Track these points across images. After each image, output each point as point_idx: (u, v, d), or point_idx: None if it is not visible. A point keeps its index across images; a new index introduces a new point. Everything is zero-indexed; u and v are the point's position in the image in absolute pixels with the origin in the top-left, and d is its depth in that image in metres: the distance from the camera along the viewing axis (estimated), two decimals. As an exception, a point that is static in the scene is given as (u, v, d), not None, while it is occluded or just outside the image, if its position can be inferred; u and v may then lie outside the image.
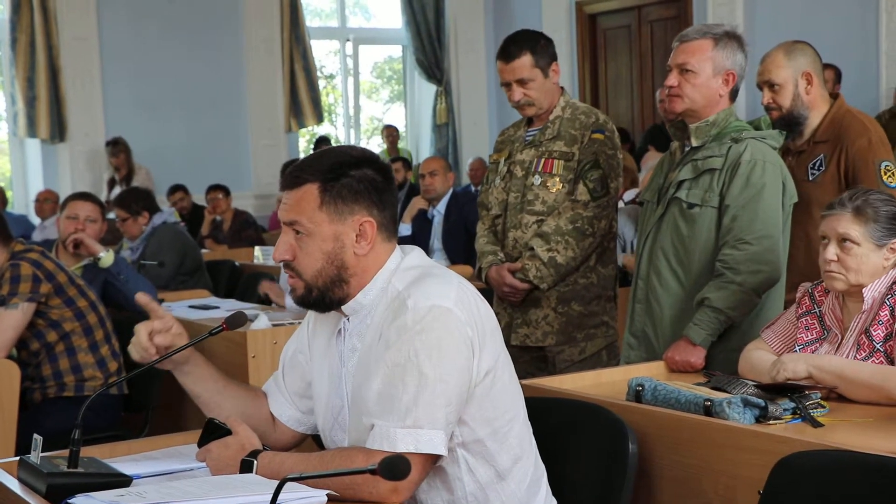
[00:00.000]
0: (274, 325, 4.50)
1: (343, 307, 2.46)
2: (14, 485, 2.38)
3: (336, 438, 2.51)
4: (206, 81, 11.62)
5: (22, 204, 11.32)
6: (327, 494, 2.16)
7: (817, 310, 3.11)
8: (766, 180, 3.50)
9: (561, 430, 2.77)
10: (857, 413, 2.74)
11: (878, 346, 2.91)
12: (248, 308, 5.21)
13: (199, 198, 10.48)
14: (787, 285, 3.62)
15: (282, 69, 12.06)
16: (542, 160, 4.29)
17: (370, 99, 14.27)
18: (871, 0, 9.04)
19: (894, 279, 2.97)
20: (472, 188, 11.22)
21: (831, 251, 3.00)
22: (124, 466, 2.48)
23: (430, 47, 12.97)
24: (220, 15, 11.71)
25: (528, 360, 4.36)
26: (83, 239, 5.23)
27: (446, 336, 2.30)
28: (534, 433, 2.58)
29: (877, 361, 2.91)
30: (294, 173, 2.43)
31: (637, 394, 2.90)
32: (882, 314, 2.94)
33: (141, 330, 2.54)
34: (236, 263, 7.64)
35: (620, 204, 6.97)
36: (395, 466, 1.89)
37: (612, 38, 11.69)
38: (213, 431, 2.46)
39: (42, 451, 2.42)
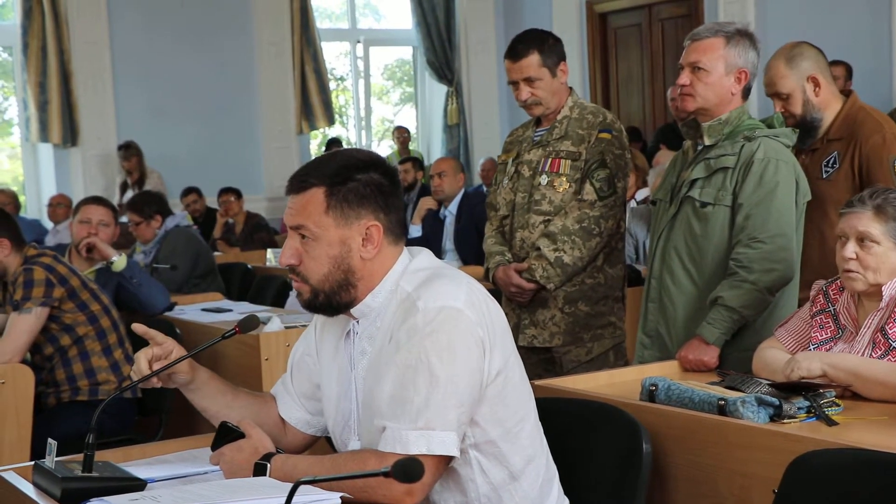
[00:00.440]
0: (286, 328, 4.50)
1: (352, 310, 2.46)
2: (29, 489, 2.38)
3: (346, 441, 2.51)
4: (217, 84, 11.64)
5: (35, 208, 11.35)
6: (341, 497, 2.16)
7: (832, 308, 3.10)
8: (780, 178, 3.49)
9: (574, 430, 2.76)
10: (872, 411, 2.73)
11: (893, 344, 2.90)
12: (261, 310, 5.21)
13: (211, 201, 10.50)
14: (802, 284, 3.61)
15: (292, 71, 12.07)
16: (549, 160, 4.29)
17: (381, 101, 14.27)
18: (884, -5, 9.02)
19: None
20: (484, 189, 11.22)
21: (850, 249, 2.97)
22: (138, 470, 2.48)
23: (440, 48, 12.97)
24: (231, 18, 11.72)
25: (536, 361, 4.35)
26: (96, 243, 5.24)
27: (457, 337, 2.29)
28: (547, 434, 2.57)
29: (892, 359, 2.89)
30: (299, 177, 2.43)
31: (651, 393, 2.89)
32: (897, 312, 2.93)
33: (141, 358, 2.55)
34: (249, 266, 7.65)
35: (633, 204, 6.96)
36: (408, 468, 1.89)
37: (622, 36, 11.67)
38: (227, 435, 2.46)
39: (57, 456, 2.43)
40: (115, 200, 10.39)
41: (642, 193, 7.11)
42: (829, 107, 3.99)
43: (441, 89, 13.21)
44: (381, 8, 13.91)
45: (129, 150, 10.81)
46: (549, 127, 4.34)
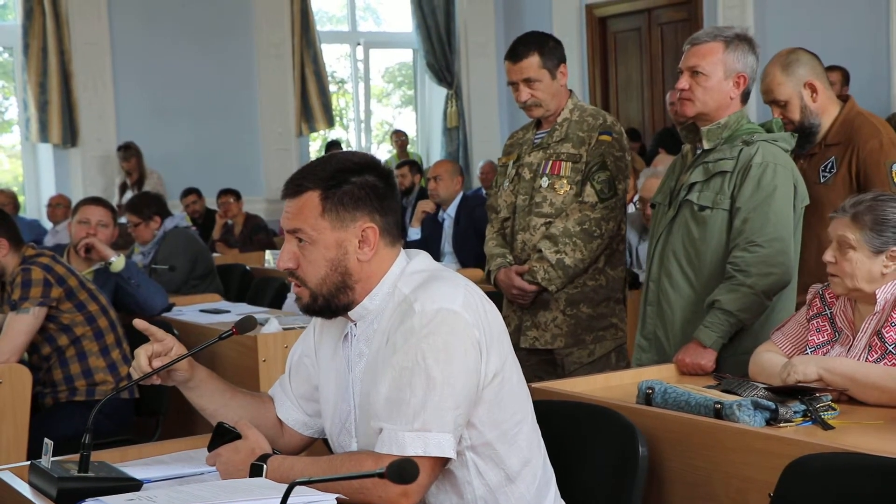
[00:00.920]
0: (284, 329, 4.50)
1: (349, 313, 2.46)
2: (25, 489, 2.38)
3: (343, 443, 2.51)
4: (218, 86, 11.65)
5: (34, 209, 11.36)
6: (336, 498, 2.16)
7: (828, 311, 3.11)
8: (778, 183, 3.49)
9: (571, 433, 2.76)
10: (867, 415, 2.73)
11: (890, 347, 2.91)
12: (259, 312, 5.21)
13: (210, 202, 10.51)
14: (799, 287, 3.61)
15: (293, 74, 12.08)
16: (550, 162, 4.30)
17: (381, 103, 14.28)
18: (882, 1, 9.02)
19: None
20: (483, 191, 11.22)
21: (829, 253, 3.02)
22: (135, 471, 2.48)
23: (440, 51, 12.97)
24: (231, 20, 11.73)
25: (537, 362, 4.36)
26: (94, 243, 5.24)
27: (454, 339, 2.30)
28: (544, 436, 2.57)
29: (889, 363, 2.90)
30: (295, 181, 2.44)
31: (647, 397, 2.89)
32: (895, 316, 2.93)
33: (141, 354, 2.56)
34: (247, 267, 7.65)
35: (631, 208, 6.96)
36: (403, 470, 1.89)
37: (622, 41, 11.68)
38: (223, 435, 2.46)
39: (53, 456, 2.43)
40: (115, 201, 10.40)
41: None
42: (826, 112, 3.99)
43: (441, 92, 13.22)
44: (381, 11, 13.92)
45: (128, 151, 10.82)
46: (550, 129, 4.35)
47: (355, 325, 2.48)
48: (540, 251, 4.23)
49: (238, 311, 5.41)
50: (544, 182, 4.29)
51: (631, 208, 6.93)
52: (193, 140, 11.46)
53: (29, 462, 2.49)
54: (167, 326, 4.83)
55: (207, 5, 11.60)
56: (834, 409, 2.73)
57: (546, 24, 11.42)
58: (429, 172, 7.59)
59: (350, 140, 13.45)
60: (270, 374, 4.30)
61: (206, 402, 2.64)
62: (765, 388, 2.82)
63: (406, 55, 13.74)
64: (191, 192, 10.52)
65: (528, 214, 4.32)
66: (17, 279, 4.42)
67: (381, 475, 1.89)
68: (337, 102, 13.53)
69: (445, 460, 2.33)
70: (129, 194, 10.26)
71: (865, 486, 2.18)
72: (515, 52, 4.32)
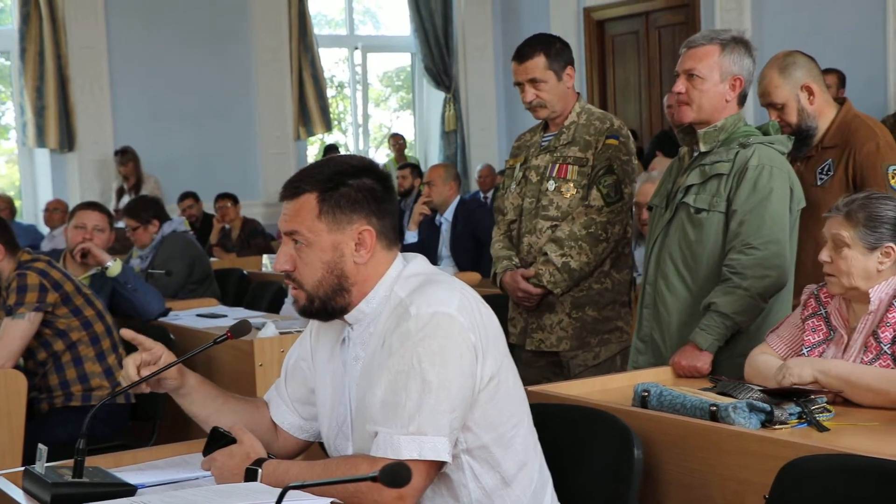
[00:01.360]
0: (281, 334, 4.50)
1: (346, 316, 2.46)
2: (19, 495, 2.38)
3: (339, 446, 2.51)
4: (215, 90, 11.64)
5: (31, 213, 11.35)
6: (332, 502, 2.16)
7: (823, 311, 3.11)
8: (774, 185, 3.49)
9: (567, 436, 2.76)
10: (862, 417, 2.74)
11: (885, 348, 2.91)
12: (256, 316, 5.21)
13: (207, 206, 10.50)
14: (796, 290, 3.61)
15: (290, 78, 12.08)
16: (557, 165, 4.31)
17: (379, 107, 14.28)
18: (879, 4, 9.02)
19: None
20: (481, 195, 11.23)
21: (825, 253, 3.03)
22: (129, 476, 2.48)
23: (438, 55, 12.98)
24: (229, 24, 11.73)
25: (544, 365, 4.38)
26: (91, 248, 5.24)
27: (449, 342, 2.30)
28: (540, 439, 2.57)
29: (884, 364, 2.90)
30: (292, 184, 2.45)
31: (643, 399, 2.89)
32: (890, 316, 2.93)
33: (129, 363, 2.56)
34: (244, 272, 7.65)
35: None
36: (396, 473, 1.89)
37: (620, 44, 11.68)
38: (218, 440, 2.46)
39: (49, 461, 2.43)
40: (112, 206, 10.41)
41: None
42: (823, 115, 3.99)
43: (439, 96, 13.22)
44: (379, 15, 13.92)
45: (125, 156, 10.81)
46: (557, 132, 4.36)
47: (352, 328, 2.48)
48: (546, 254, 4.24)
49: (235, 315, 5.41)
50: (551, 185, 4.31)
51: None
52: (191, 144, 11.46)
53: (23, 468, 2.48)
54: (164, 331, 4.84)
55: (205, 9, 11.59)
56: (829, 411, 2.73)
57: (544, 28, 11.41)
58: (425, 177, 7.59)
59: (348, 144, 13.45)
60: (267, 378, 4.29)
61: (198, 409, 2.64)
62: (760, 390, 2.82)
63: (404, 59, 13.74)
64: (188, 197, 10.52)
65: (535, 217, 4.33)
66: (13, 284, 4.42)
67: (374, 479, 1.88)
68: (335, 106, 13.52)
69: (441, 464, 2.33)
70: (126, 199, 10.24)
71: (861, 487, 2.19)
72: (521, 53, 4.34)
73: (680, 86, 3.63)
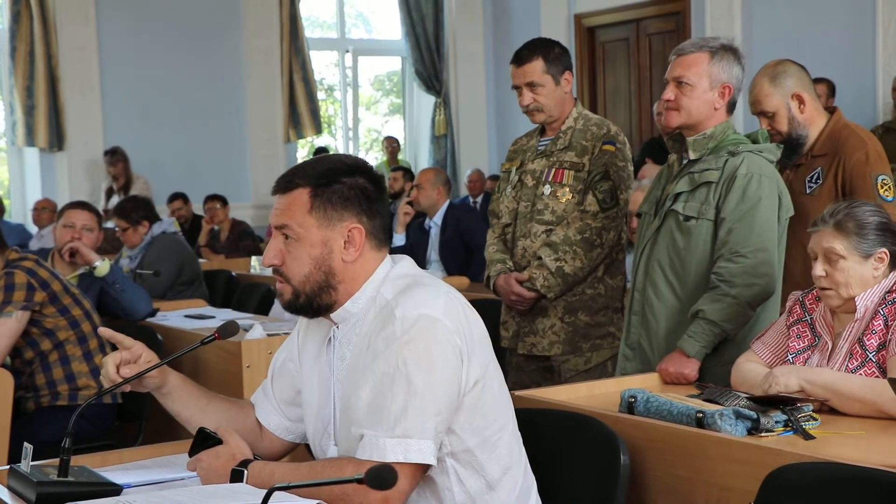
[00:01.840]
0: (269, 335, 4.49)
1: (332, 315, 2.46)
2: (3, 493, 2.38)
3: (325, 447, 2.51)
4: (205, 91, 11.63)
5: (20, 213, 11.32)
6: (317, 504, 2.16)
7: (808, 317, 3.12)
8: (762, 194, 3.50)
9: (553, 441, 2.76)
10: (848, 426, 2.74)
11: (870, 355, 2.92)
12: (244, 318, 5.20)
13: (197, 207, 10.49)
14: (784, 298, 3.62)
15: (281, 80, 12.07)
16: (553, 170, 4.32)
17: (369, 111, 14.28)
18: (868, 13, 9.04)
19: (887, 289, 2.98)
20: (471, 200, 11.24)
21: (819, 268, 3.02)
22: (115, 475, 2.48)
23: (429, 59, 12.98)
24: (220, 25, 11.72)
25: (535, 369, 4.39)
26: (79, 248, 5.23)
27: (434, 345, 2.30)
28: (527, 444, 2.57)
29: (868, 371, 2.91)
30: (286, 178, 2.46)
31: (630, 405, 2.90)
32: (875, 324, 2.94)
33: (108, 362, 2.55)
34: (233, 273, 7.64)
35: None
36: (381, 476, 1.89)
37: (610, 50, 11.69)
38: (204, 441, 2.46)
39: (35, 460, 2.42)
40: (101, 206, 10.38)
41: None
42: (813, 123, 4.01)
43: (429, 100, 13.22)
44: (370, 18, 13.93)
45: (115, 156, 10.79)
46: (554, 137, 4.38)
47: (337, 327, 2.48)
48: (540, 258, 4.25)
49: (223, 316, 5.40)
50: (546, 189, 4.31)
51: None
52: (181, 145, 11.44)
53: (8, 466, 2.48)
54: (151, 332, 4.83)
55: (195, 11, 11.57)
56: (815, 420, 2.74)
57: (535, 34, 11.32)
58: (414, 180, 7.59)
59: (338, 147, 13.44)
60: (254, 379, 4.29)
61: (181, 408, 2.63)
62: (747, 397, 2.83)
63: (395, 63, 13.74)
64: (177, 198, 10.50)
65: (530, 221, 4.34)
66: (1, 283, 4.40)
67: (359, 481, 1.89)
68: (325, 109, 13.52)
69: (426, 467, 2.33)
70: (115, 199, 10.23)
71: (846, 496, 2.19)
72: (520, 57, 4.36)
73: (669, 93, 3.63)
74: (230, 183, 11.24)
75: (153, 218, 6.61)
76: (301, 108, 12.20)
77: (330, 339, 2.50)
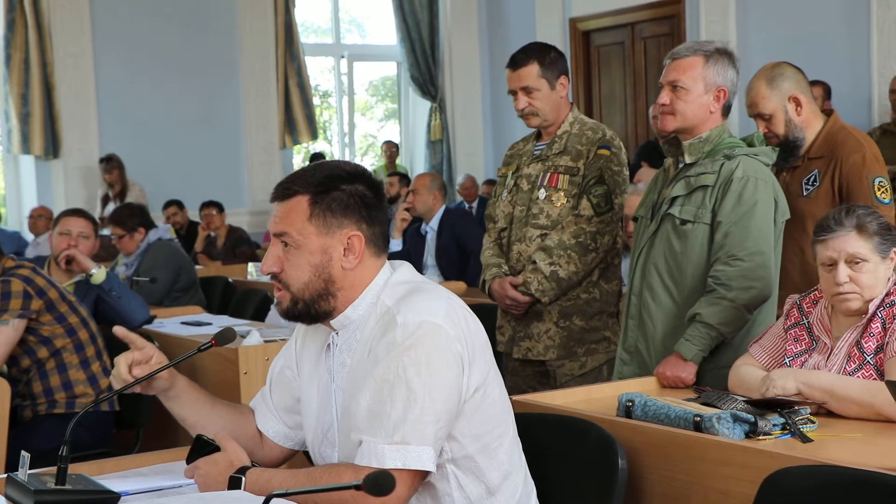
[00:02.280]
0: (266, 342, 4.49)
1: (332, 322, 2.46)
2: (1, 502, 2.37)
3: (325, 454, 2.50)
4: (201, 98, 11.63)
5: (16, 220, 11.31)
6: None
7: (805, 321, 3.12)
8: (759, 197, 3.50)
9: (551, 445, 2.76)
10: (846, 428, 2.75)
11: (868, 358, 2.92)
12: (241, 324, 5.20)
13: (193, 214, 10.48)
14: (781, 301, 3.62)
15: (276, 86, 12.07)
16: (548, 174, 4.33)
17: (364, 116, 14.29)
18: (863, 17, 9.06)
19: (887, 291, 2.97)
20: (465, 205, 11.25)
21: (843, 273, 2.97)
22: (112, 483, 2.47)
23: (424, 64, 12.99)
24: (215, 31, 11.72)
25: (530, 373, 4.39)
26: (75, 255, 5.22)
27: (435, 352, 2.30)
28: (524, 449, 2.57)
29: (866, 374, 2.91)
30: (285, 185, 2.45)
31: (627, 409, 2.90)
32: (873, 326, 2.94)
33: (121, 362, 2.55)
34: (230, 280, 7.63)
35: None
36: (380, 482, 1.89)
37: (605, 54, 11.71)
38: (202, 448, 2.45)
39: (31, 468, 2.42)
40: (97, 213, 10.37)
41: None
42: (810, 126, 4.01)
43: (425, 105, 13.23)
44: (365, 24, 13.94)
45: (110, 163, 10.79)
46: (550, 141, 4.38)
47: (337, 334, 2.48)
48: (534, 262, 4.25)
49: (220, 323, 5.40)
50: (541, 194, 4.32)
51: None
52: (176, 152, 11.43)
53: (5, 475, 2.47)
54: (148, 339, 4.81)
55: (191, 18, 11.57)
56: (813, 422, 2.74)
57: (530, 38, 11.34)
58: (410, 185, 7.60)
59: (334, 153, 13.44)
60: (251, 386, 4.29)
61: (187, 412, 2.63)
62: (744, 400, 2.83)
63: (390, 68, 13.75)
64: (172, 204, 10.50)
65: (525, 225, 4.34)
66: (-3, 291, 4.40)
67: (358, 487, 1.88)
68: (321, 115, 13.52)
69: (425, 473, 2.33)
70: (111, 206, 10.21)
71: (844, 498, 2.19)
72: (515, 60, 4.36)
73: (664, 97, 3.64)
74: (226, 189, 11.24)
75: (149, 224, 6.61)
76: (297, 113, 12.21)
77: (329, 345, 2.49)
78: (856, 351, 2.95)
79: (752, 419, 2.66)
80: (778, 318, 3.53)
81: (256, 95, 11.94)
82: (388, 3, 12.83)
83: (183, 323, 5.46)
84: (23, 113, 10.88)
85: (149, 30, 11.33)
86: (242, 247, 9.86)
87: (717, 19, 10.05)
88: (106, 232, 7.38)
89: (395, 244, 7.43)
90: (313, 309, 2.43)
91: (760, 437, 2.65)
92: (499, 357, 4.35)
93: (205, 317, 5.79)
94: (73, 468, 2.48)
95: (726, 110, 3.67)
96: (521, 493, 2.51)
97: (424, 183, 7.39)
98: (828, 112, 4.11)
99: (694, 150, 3.64)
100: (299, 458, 2.76)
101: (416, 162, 13.41)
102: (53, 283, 4.62)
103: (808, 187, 3.96)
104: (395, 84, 13.77)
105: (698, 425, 2.69)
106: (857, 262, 2.97)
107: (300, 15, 12.45)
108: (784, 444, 2.62)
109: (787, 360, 3.08)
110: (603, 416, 2.90)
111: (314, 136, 12.46)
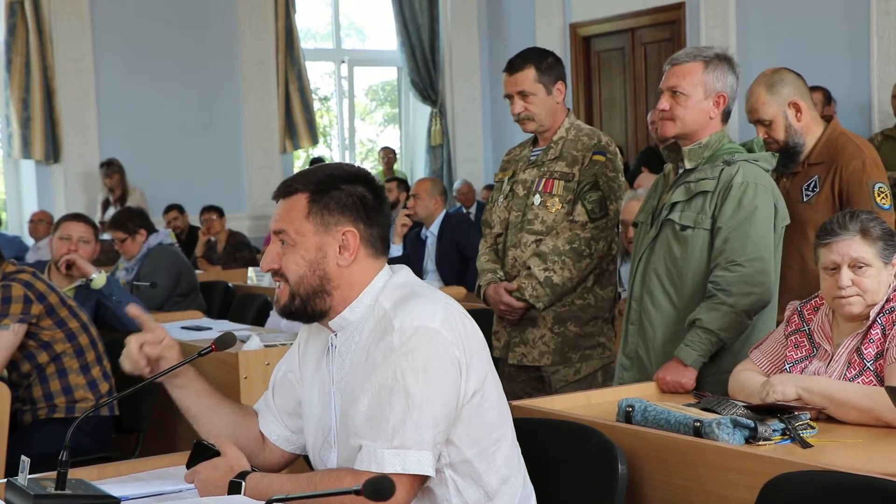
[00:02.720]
0: (266, 346, 4.49)
1: (330, 323, 2.47)
2: (1, 506, 2.37)
3: (325, 458, 2.51)
4: (201, 103, 11.63)
5: (16, 225, 11.31)
6: (316, 516, 2.16)
7: (806, 327, 3.12)
8: (758, 202, 3.51)
9: (551, 450, 2.76)
10: (846, 434, 2.75)
11: (868, 364, 2.92)
12: (241, 329, 5.20)
13: (193, 219, 10.48)
14: (780, 306, 3.62)
15: (277, 91, 12.08)
16: (543, 180, 4.32)
17: (364, 121, 14.29)
18: (863, 23, 9.07)
19: (887, 297, 2.98)
20: (464, 210, 11.26)
21: (846, 277, 2.98)
22: (112, 488, 2.47)
23: (424, 69, 12.99)
24: (216, 36, 11.72)
25: (526, 379, 4.38)
26: (75, 260, 5.22)
27: (433, 357, 2.30)
28: (524, 454, 2.57)
29: (866, 380, 2.91)
30: (287, 183, 2.49)
31: (627, 414, 2.90)
32: (873, 332, 2.95)
33: (132, 341, 2.59)
34: (230, 284, 7.63)
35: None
36: (379, 487, 1.89)
37: (605, 60, 11.71)
38: (202, 453, 2.46)
39: (31, 473, 2.42)
40: (97, 217, 10.37)
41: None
42: (810, 131, 4.01)
43: (425, 110, 13.23)
44: (365, 29, 13.94)
45: (111, 168, 10.79)
46: (545, 147, 4.38)
47: (335, 335, 2.48)
48: (529, 268, 4.25)
49: (220, 328, 5.39)
50: (537, 199, 4.32)
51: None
52: (177, 157, 11.43)
53: (5, 480, 2.47)
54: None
55: (191, 23, 11.58)
56: (812, 428, 2.74)
57: (530, 43, 11.39)
58: (411, 190, 7.60)
59: (334, 158, 13.44)
60: (252, 391, 4.29)
61: (192, 403, 2.64)
62: (744, 406, 2.83)
63: (390, 73, 13.76)
64: (172, 209, 10.50)
65: (520, 231, 4.34)
66: (-3, 295, 4.40)
67: (358, 492, 1.89)
68: (321, 120, 13.52)
69: (424, 478, 2.33)
70: (111, 211, 10.22)
71: (843, 504, 2.19)
72: (512, 65, 4.37)
73: (664, 103, 3.64)
74: (226, 194, 11.24)
75: (149, 226, 6.61)
76: (297, 118, 12.21)
77: (328, 348, 2.50)
78: (856, 357, 2.95)
79: (752, 425, 2.66)
80: (778, 323, 3.54)
81: (257, 100, 11.94)
82: (388, 7, 12.84)
83: (183, 327, 5.45)
84: (23, 117, 10.88)
85: (149, 34, 11.33)
86: (243, 251, 9.86)
87: (717, 25, 10.06)
88: (106, 237, 7.38)
89: (396, 250, 7.44)
90: (309, 306, 2.44)
91: (760, 443, 2.66)
92: (494, 363, 4.35)
93: (205, 321, 5.79)
94: (73, 473, 2.48)
95: (726, 116, 3.68)
96: (520, 498, 2.51)
97: (426, 187, 7.40)
98: (828, 118, 4.12)
99: (694, 155, 3.64)
100: (299, 463, 2.76)
101: (416, 167, 13.41)
102: (54, 287, 4.61)
103: (809, 193, 3.96)
104: (396, 89, 13.77)
105: (698, 431, 2.69)
106: (861, 267, 2.97)
107: (300, 20, 12.46)
108: (784, 450, 2.62)
109: (787, 367, 3.09)
110: (603, 421, 2.90)
111: (314, 141, 12.46)
